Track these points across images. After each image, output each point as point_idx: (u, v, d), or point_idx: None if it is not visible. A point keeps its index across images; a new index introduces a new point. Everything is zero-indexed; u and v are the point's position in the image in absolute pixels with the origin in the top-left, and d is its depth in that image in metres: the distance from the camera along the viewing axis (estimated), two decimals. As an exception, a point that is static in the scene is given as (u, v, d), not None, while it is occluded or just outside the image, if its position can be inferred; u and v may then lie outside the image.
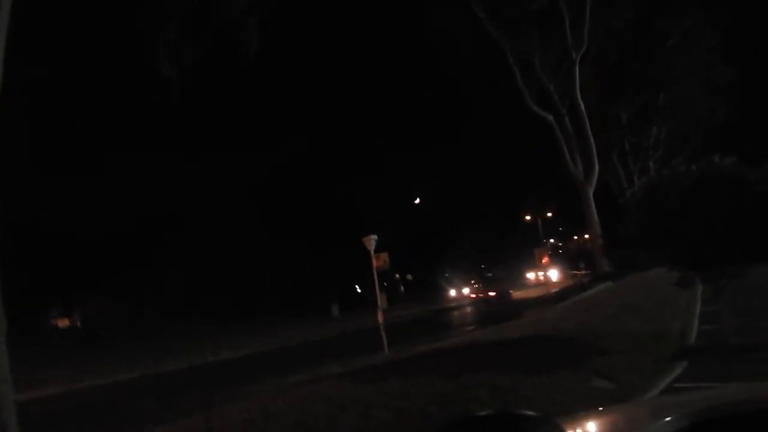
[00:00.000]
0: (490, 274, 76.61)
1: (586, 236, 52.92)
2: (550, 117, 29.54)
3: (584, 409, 2.15)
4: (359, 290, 57.28)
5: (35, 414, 13.33)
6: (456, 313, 37.88)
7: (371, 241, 18.67)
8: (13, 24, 8.15)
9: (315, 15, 36.27)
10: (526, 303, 30.00)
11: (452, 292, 54.97)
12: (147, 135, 38.00)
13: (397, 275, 62.86)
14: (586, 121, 29.37)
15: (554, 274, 59.46)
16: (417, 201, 62.40)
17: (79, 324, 42.79)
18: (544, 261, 63.01)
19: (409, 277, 69.04)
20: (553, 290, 37.41)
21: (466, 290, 52.99)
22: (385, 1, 26.41)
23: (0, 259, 7.65)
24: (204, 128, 41.86)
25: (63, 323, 43.62)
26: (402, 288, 65.29)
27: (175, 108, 29.57)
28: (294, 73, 44.69)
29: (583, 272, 56.54)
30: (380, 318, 18.60)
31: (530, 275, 60.81)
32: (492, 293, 46.05)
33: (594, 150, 29.51)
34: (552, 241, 77.52)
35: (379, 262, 19.91)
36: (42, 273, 34.77)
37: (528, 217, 67.39)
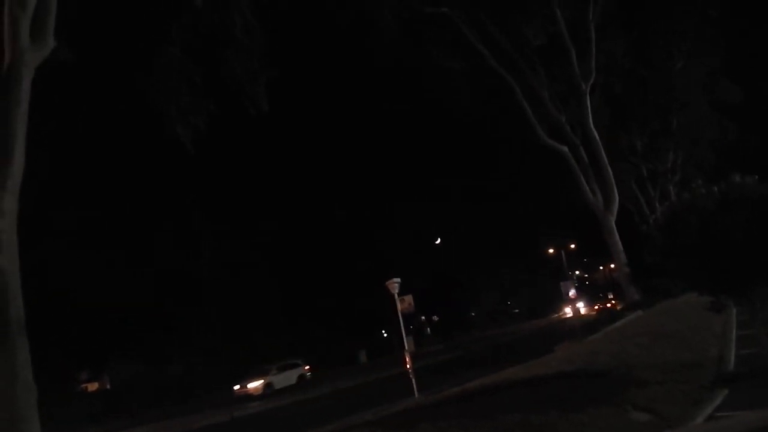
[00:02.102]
0: (516, 311, 75.76)
1: (612, 266, 52.33)
2: (565, 148, 29.51)
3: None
4: (385, 335, 56.84)
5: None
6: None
7: (394, 284, 18.60)
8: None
9: (325, 70, 37.08)
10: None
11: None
12: (163, 198, 38.83)
13: (423, 317, 62.30)
14: (602, 150, 29.31)
15: (583, 306, 58.85)
16: (438, 241, 62.31)
17: (108, 387, 42.85)
18: (570, 294, 62.28)
19: (435, 318, 68.41)
20: (582, 322, 36.76)
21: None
22: (387, 50, 26.81)
23: (29, 331, 7.75)
24: (218, 183, 42.59)
25: (93, 387, 43.70)
26: (428, 330, 64.64)
27: (188, 168, 30.32)
28: (308, 123, 45.42)
29: (611, 302, 55.99)
30: (408, 361, 18.39)
31: (567, 310, 60.46)
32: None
33: (612, 178, 29.35)
34: (578, 273, 76.71)
35: (403, 305, 19.79)
36: (69, 339, 35.21)
37: (551, 251, 66.89)
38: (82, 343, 37.72)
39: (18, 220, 7.93)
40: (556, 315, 61.09)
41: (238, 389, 31.51)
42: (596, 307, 57.92)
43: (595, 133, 29.19)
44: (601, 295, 68.50)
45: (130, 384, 38.20)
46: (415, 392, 16.72)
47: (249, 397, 30.33)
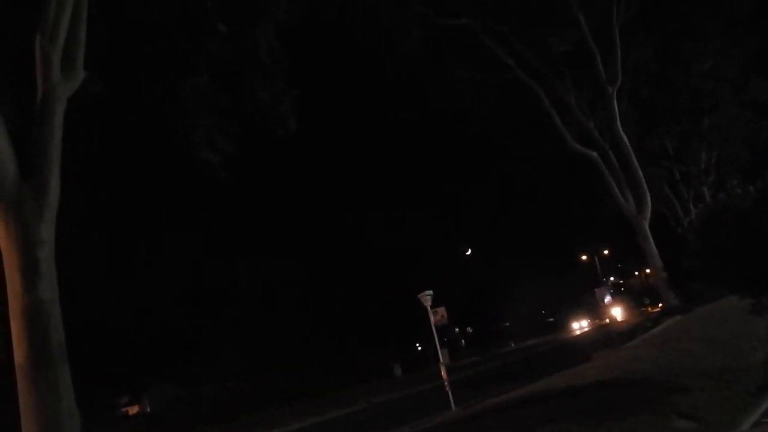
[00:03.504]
0: (551, 319, 74.91)
1: (647, 271, 51.43)
2: (594, 154, 29.22)
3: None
4: (420, 348, 56.60)
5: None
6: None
7: (427, 297, 18.54)
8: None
9: (345, 83, 37.22)
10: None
11: None
12: (196, 223, 39.36)
13: (457, 329, 61.92)
14: (632, 154, 28.95)
15: (618, 313, 57.94)
16: (468, 252, 62.04)
17: (148, 409, 43.34)
18: (606, 300, 61.46)
19: (469, 329, 67.95)
20: (619, 329, 36.17)
21: None
22: (409, 63, 26.85)
23: (70, 358, 7.91)
24: (250, 204, 42.92)
25: (133, 410, 44.26)
26: (463, 342, 64.23)
27: (219, 190, 30.59)
28: (332, 137, 45.56)
29: (648, 308, 54.91)
30: (444, 374, 18.27)
31: (576, 324, 59.35)
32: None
33: (644, 182, 28.94)
34: (612, 279, 75.56)
35: (437, 317, 19.70)
36: (109, 364, 35.83)
37: (584, 257, 66.12)
38: (122, 368, 38.36)
39: (56, 249, 8.12)
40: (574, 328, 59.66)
41: None
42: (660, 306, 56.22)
43: (625, 137, 28.85)
44: (637, 300, 67.24)
45: (169, 407, 38.62)
46: (452, 405, 16.59)
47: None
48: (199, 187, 30.56)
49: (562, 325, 63.48)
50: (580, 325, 59.86)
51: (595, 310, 62.50)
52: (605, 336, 33.90)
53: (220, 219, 41.40)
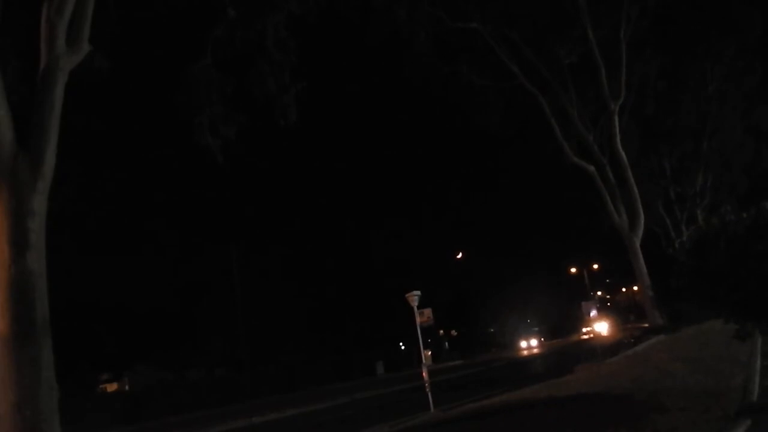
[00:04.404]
0: (536, 329, 75.10)
1: (635, 288, 51.60)
2: (592, 168, 29.31)
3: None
4: (403, 348, 56.66)
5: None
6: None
7: (414, 297, 18.52)
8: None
9: (351, 83, 37.26)
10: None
11: None
12: (193, 209, 39.39)
13: (441, 331, 61.99)
14: (629, 171, 29.04)
15: (603, 328, 58.08)
16: (459, 256, 62.10)
17: (127, 387, 43.26)
18: (592, 314, 61.49)
19: (454, 332, 68.03)
20: (602, 344, 36.25)
21: None
22: (416, 65, 26.82)
23: (54, 335, 7.85)
24: (248, 195, 42.95)
25: (112, 388, 44.16)
26: (447, 345, 64.31)
27: (217, 178, 30.57)
28: (331, 135, 45.68)
29: (633, 325, 55.10)
30: (425, 375, 18.27)
31: (524, 344, 58.95)
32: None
33: (638, 200, 29.05)
34: (599, 293, 75.84)
35: (422, 318, 19.68)
36: (94, 343, 35.82)
37: (573, 270, 66.35)
38: (106, 348, 38.37)
39: (48, 222, 8.06)
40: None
41: None
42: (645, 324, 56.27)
43: (623, 154, 28.94)
44: (622, 316, 67.51)
45: (150, 389, 38.49)
46: (431, 407, 16.59)
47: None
48: (197, 174, 30.62)
49: (572, 331, 63.24)
50: (528, 345, 59.53)
51: (576, 324, 62.58)
52: (590, 350, 33.91)
53: (217, 207, 41.53)
